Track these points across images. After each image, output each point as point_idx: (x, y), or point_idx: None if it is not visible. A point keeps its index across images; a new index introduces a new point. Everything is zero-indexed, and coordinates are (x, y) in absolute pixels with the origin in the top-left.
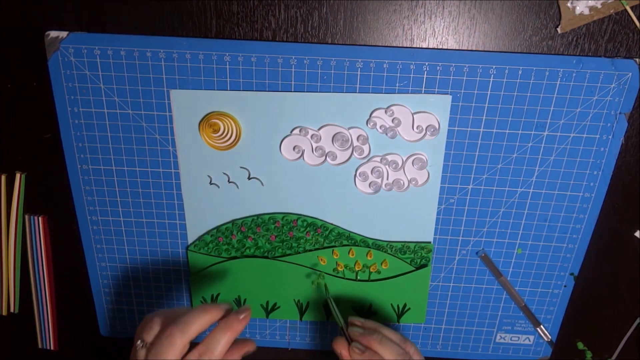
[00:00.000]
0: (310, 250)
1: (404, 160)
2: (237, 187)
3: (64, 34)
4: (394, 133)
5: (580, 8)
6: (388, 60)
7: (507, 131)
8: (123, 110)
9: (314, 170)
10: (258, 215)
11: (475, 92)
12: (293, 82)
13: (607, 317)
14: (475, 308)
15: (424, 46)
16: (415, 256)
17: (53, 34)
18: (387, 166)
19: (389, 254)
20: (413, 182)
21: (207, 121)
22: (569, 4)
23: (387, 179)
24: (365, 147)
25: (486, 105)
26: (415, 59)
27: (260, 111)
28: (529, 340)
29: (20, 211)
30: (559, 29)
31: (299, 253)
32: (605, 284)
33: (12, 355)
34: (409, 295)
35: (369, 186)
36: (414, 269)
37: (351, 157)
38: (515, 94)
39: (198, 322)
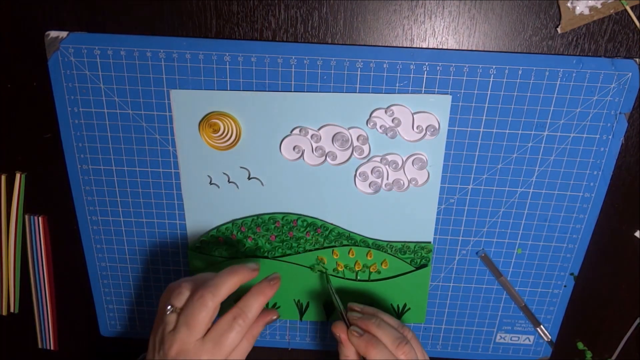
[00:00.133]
0: (310, 250)
1: (404, 160)
2: (237, 187)
3: (64, 34)
4: (394, 133)
5: (580, 8)
6: (388, 60)
7: (507, 131)
8: (123, 110)
9: (314, 170)
10: (258, 215)
11: (475, 92)
12: (293, 82)
13: (607, 317)
14: (475, 308)
15: (424, 46)
16: (415, 256)
17: (53, 34)
18: (387, 166)
19: (389, 254)
20: (413, 182)
21: (207, 121)
22: (569, 4)
23: (387, 179)
24: (365, 147)
25: (486, 105)
26: (415, 59)
27: (260, 111)
28: (529, 340)
29: (20, 211)
30: (559, 29)
31: (299, 253)
32: (605, 284)
33: (12, 355)
34: (409, 295)
35: (369, 186)
36: (414, 269)
37: (351, 157)
38: (515, 94)
39: (228, 284)
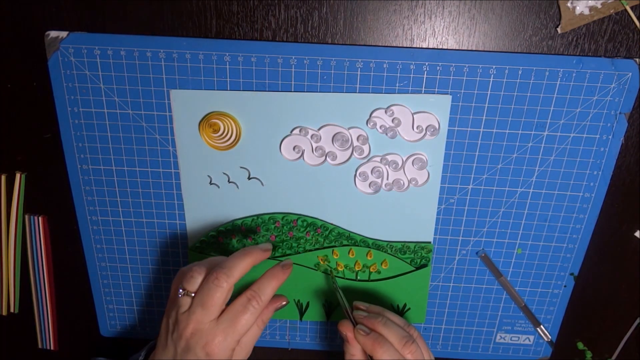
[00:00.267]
0: (310, 250)
1: (404, 160)
2: (237, 187)
3: (64, 34)
4: (394, 133)
5: (580, 8)
6: (388, 60)
7: (507, 131)
8: (123, 110)
9: (314, 170)
10: (258, 215)
11: (475, 92)
12: (293, 82)
13: (607, 317)
14: (475, 308)
15: (424, 46)
16: (415, 256)
17: (53, 34)
18: (387, 166)
19: (389, 254)
20: (413, 182)
21: (207, 121)
22: (569, 4)
23: (387, 179)
24: (365, 147)
25: (486, 105)
26: (415, 59)
27: (260, 111)
28: (529, 340)
29: (20, 211)
30: (559, 29)
31: (299, 253)
32: (605, 284)
33: (12, 355)
34: (409, 295)
35: (369, 186)
36: (414, 269)
37: (351, 157)
38: (515, 94)
39: (241, 265)
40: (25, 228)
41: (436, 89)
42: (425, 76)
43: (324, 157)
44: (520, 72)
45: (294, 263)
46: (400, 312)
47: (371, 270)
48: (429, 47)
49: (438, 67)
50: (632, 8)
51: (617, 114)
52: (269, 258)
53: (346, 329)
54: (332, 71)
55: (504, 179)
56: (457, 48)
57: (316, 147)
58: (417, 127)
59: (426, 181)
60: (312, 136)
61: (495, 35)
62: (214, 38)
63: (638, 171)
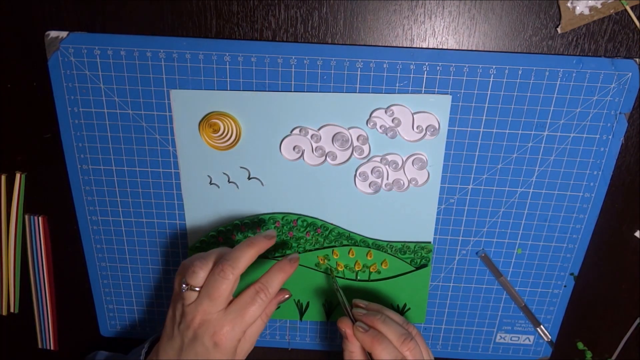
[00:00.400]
0: (310, 250)
1: (404, 160)
2: (237, 187)
3: (64, 34)
4: (394, 133)
5: (580, 8)
6: (388, 60)
7: (507, 131)
8: (123, 110)
9: (314, 170)
10: (258, 215)
11: (475, 92)
12: (293, 82)
13: (607, 317)
14: (475, 308)
15: (424, 46)
16: (415, 256)
17: (53, 34)
18: (387, 166)
19: (389, 254)
20: (413, 182)
21: (207, 121)
22: (569, 4)
23: (387, 179)
24: (365, 147)
25: (486, 105)
26: (415, 59)
27: (260, 111)
28: (529, 340)
29: (20, 211)
30: (559, 29)
31: (299, 253)
32: (605, 284)
33: (12, 355)
34: (409, 295)
35: (369, 186)
36: (414, 269)
37: (351, 157)
38: (515, 94)
39: (246, 257)
40: (25, 228)
41: (436, 89)
42: (425, 76)
43: (324, 157)
44: (520, 72)
45: None
46: (400, 312)
47: (371, 270)
48: (429, 47)
49: (438, 67)
50: (632, 8)
51: (617, 114)
52: (269, 258)
53: (345, 326)
54: (332, 71)
55: (504, 179)
56: (457, 48)
57: (316, 147)
58: (417, 127)
59: (426, 181)
60: (312, 136)
61: (495, 35)
62: (214, 38)
63: (638, 171)
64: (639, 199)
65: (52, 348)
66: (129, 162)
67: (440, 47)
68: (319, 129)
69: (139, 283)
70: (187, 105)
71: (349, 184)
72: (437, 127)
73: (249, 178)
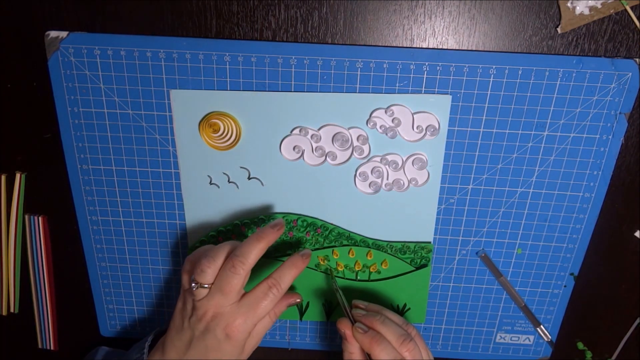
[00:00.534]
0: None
1: (404, 160)
2: (237, 187)
3: (64, 34)
4: (394, 133)
5: (580, 8)
6: (388, 60)
7: (507, 131)
8: (123, 110)
9: (314, 170)
10: (258, 215)
11: (475, 92)
12: (293, 82)
13: (607, 317)
14: (475, 308)
15: (424, 46)
16: (415, 256)
17: (53, 34)
18: (387, 166)
19: (389, 254)
20: (413, 182)
21: (207, 121)
22: (569, 4)
23: (387, 179)
24: (365, 147)
25: (486, 105)
26: (415, 59)
27: (260, 111)
28: (529, 340)
29: (20, 211)
30: (559, 29)
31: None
32: (605, 284)
33: (12, 355)
34: (409, 295)
35: (369, 186)
36: (414, 269)
37: (351, 157)
38: (515, 94)
39: (255, 251)
40: (25, 228)
41: (436, 89)
42: (425, 76)
43: (324, 157)
44: (520, 72)
45: None
46: (400, 312)
47: (371, 270)
48: (429, 47)
49: (438, 67)
50: (632, 8)
51: (617, 114)
52: (269, 258)
53: (345, 327)
54: (332, 71)
55: (504, 179)
56: (457, 48)
57: (316, 147)
58: (417, 127)
59: (426, 181)
60: (312, 136)
61: (495, 35)
62: (214, 38)
63: (638, 171)
64: (639, 199)
65: (52, 348)
66: (129, 162)
67: (440, 47)
68: (319, 129)
69: (139, 283)
70: (187, 105)
71: (349, 184)
72: (437, 127)
73: (249, 178)
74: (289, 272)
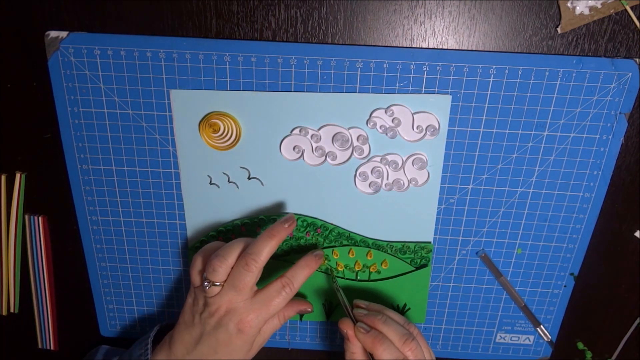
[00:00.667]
0: None
1: (404, 160)
2: (237, 187)
3: (64, 34)
4: (394, 133)
5: (580, 8)
6: (388, 60)
7: (507, 131)
8: (123, 110)
9: (314, 170)
10: (258, 216)
11: (475, 92)
12: (293, 82)
13: (607, 317)
14: (475, 308)
15: (424, 46)
16: (415, 256)
17: (53, 34)
18: (387, 166)
19: (389, 254)
20: (413, 182)
21: (207, 121)
22: (569, 4)
23: (387, 179)
24: (365, 147)
25: (486, 105)
26: (415, 59)
27: (260, 111)
28: (529, 340)
29: (20, 211)
30: (559, 29)
31: (299, 253)
32: (605, 284)
33: (12, 355)
34: (409, 295)
35: (369, 186)
36: (414, 269)
37: (351, 157)
38: (515, 94)
39: (267, 249)
40: (25, 228)
41: (436, 89)
42: (425, 76)
43: (324, 157)
44: (520, 72)
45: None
46: (401, 312)
47: (371, 270)
48: (429, 47)
49: (438, 67)
50: (632, 8)
51: (617, 114)
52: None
53: (346, 327)
54: (332, 71)
55: (504, 179)
56: (457, 48)
57: (316, 147)
58: (417, 127)
59: (426, 181)
60: (312, 136)
61: (495, 35)
62: (214, 38)
63: (638, 171)
64: (639, 199)
65: (52, 348)
66: (129, 162)
67: (440, 47)
68: (319, 129)
69: (139, 283)
70: (187, 105)
71: (349, 184)
72: (437, 127)
73: (249, 178)
74: (302, 272)
